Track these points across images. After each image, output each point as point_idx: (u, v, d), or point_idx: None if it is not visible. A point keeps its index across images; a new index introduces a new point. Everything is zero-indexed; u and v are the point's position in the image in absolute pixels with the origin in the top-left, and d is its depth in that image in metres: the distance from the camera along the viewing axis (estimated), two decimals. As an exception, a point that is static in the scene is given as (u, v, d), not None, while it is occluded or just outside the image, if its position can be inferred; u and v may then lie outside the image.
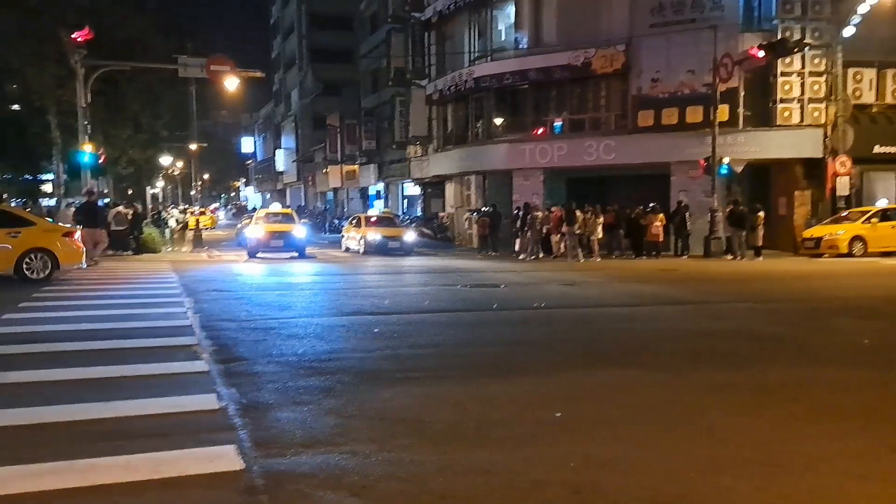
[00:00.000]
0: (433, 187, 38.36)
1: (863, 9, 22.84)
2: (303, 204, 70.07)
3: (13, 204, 40.66)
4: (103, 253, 19.94)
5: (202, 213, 44.56)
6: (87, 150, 22.79)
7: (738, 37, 24.28)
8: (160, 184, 54.94)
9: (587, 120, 27.92)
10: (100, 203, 25.48)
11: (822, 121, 24.49)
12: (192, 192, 48.99)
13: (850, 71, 24.39)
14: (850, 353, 7.85)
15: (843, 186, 23.98)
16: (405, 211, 42.71)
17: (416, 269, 19.35)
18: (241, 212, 67.75)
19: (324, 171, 60.37)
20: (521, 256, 23.38)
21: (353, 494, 3.87)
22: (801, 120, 24.70)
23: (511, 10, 29.34)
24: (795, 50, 22.65)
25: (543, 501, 3.85)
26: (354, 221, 27.37)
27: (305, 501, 3.81)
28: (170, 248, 26.16)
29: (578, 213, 22.85)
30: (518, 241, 24.25)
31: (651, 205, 23.84)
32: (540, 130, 28.31)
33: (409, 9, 35.27)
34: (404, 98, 38.36)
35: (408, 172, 40.25)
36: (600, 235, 22.94)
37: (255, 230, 22.94)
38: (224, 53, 25.45)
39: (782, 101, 24.70)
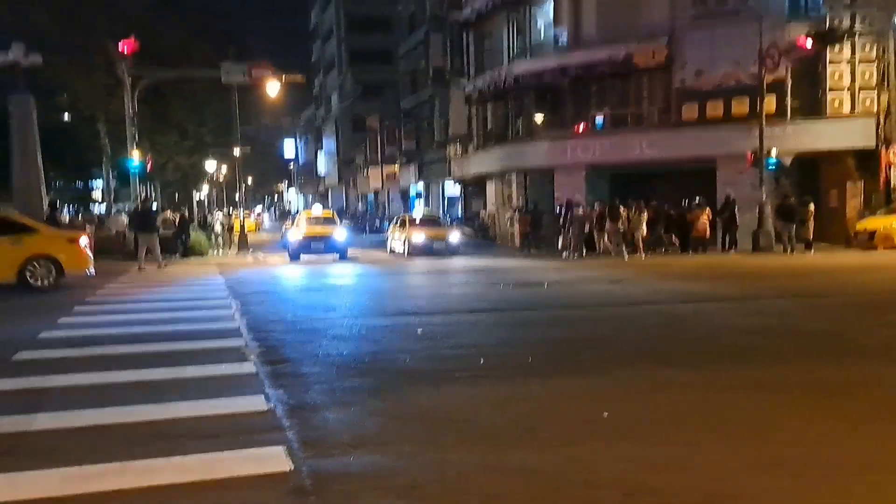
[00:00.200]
0: (474, 186, 38.32)
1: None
2: (344, 206, 70.74)
3: (66, 211, 42.03)
4: (153, 258, 20.40)
5: (247, 217, 45.31)
6: (135, 158, 23.38)
7: (784, 26, 23.67)
8: (206, 188, 55.98)
9: (629, 115, 27.56)
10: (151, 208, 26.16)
11: (874, 109, 23.72)
12: (237, 196, 49.86)
13: (903, 57, 23.57)
14: (909, 350, 7.60)
15: (897, 176, 23.20)
16: (446, 211, 42.75)
17: (457, 269, 19.35)
18: (285, 214, 68.66)
19: (364, 172, 60.82)
20: (564, 254, 23.19)
21: (400, 496, 3.89)
22: (852, 109, 23.96)
23: (550, 6, 29.12)
24: (845, 38, 21.98)
25: (593, 503, 3.81)
26: (399, 223, 27.19)
27: (353, 503, 3.83)
28: (216, 252, 26.62)
29: (622, 209, 22.56)
30: (561, 238, 24.03)
31: (696, 200, 23.41)
32: (581, 127, 28.05)
33: (447, 9, 35.29)
34: (443, 98, 38.41)
35: (448, 172, 40.28)
36: (645, 232, 22.60)
37: (297, 233, 23.15)
38: (265, 59, 25.91)
39: (832, 90, 24.00)
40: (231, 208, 52.06)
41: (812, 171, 25.00)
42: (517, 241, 28.16)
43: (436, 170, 43.58)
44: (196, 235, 26.33)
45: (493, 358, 7.46)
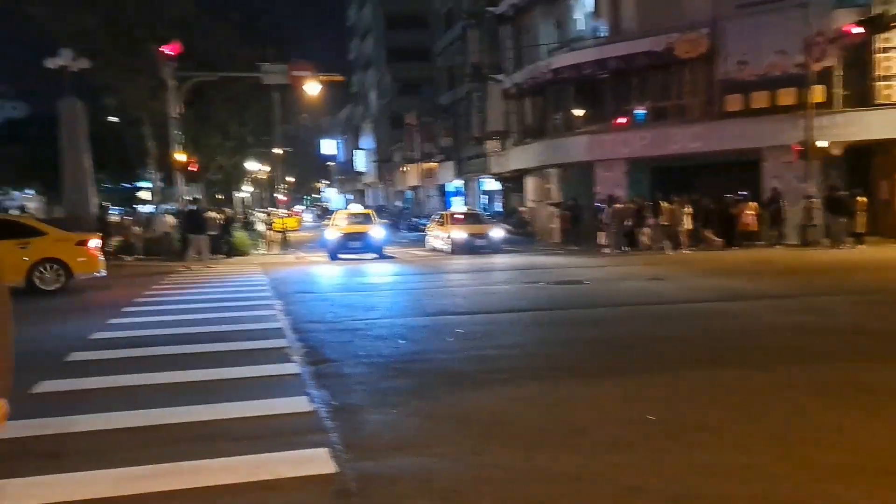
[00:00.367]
0: (512, 182, 38.15)
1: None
2: (382, 203, 71.15)
3: (113, 212, 43.09)
4: (201, 258, 20.79)
5: (288, 216, 45.86)
6: (179, 159, 23.84)
7: (830, 13, 22.98)
8: (247, 188, 56.81)
9: (671, 107, 27.10)
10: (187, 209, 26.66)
11: (927, 97, 22.91)
12: (278, 196, 50.49)
13: (958, 42, 22.70)
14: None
15: (953, 167, 22.38)
16: (484, 206, 42.65)
17: (496, 266, 19.27)
18: (325, 213, 69.34)
19: (402, 169, 61.07)
20: (605, 250, 22.95)
21: (443, 499, 3.89)
22: (903, 97, 23.18)
23: (588, -2, 28.81)
24: (894, 25, 21.25)
25: (639, 510, 3.76)
26: (439, 219, 26.62)
27: (398, 506, 3.84)
28: (259, 251, 26.97)
29: (664, 203, 22.21)
30: (601, 234, 23.77)
31: (742, 193, 22.92)
32: (621, 120, 27.69)
33: (484, 4, 35.14)
34: (481, 93, 38.27)
35: (486, 168, 40.18)
36: (688, 226, 22.22)
37: (334, 232, 23.07)
38: (304, 59, 26.11)
39: (882, 78, 23.24)
40: (273, 208, 52.82)
41: (862, 161, 24.25)
42: (557, 236, 27.95)
43: (474, 166, 43.51)
44: (239, 235, 26.72)
45: (534, 358, 7.42)
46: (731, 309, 10.54)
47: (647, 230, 23.00)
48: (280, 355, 7.67)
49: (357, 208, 36.98)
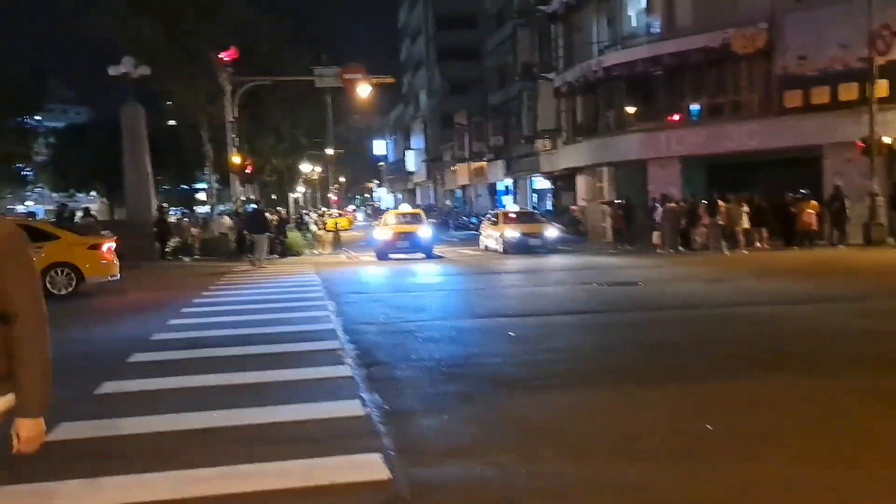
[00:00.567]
0: (563, 180, 37.83)
1: None
2: (432, 202, 71.41)
3: (172, 213, 44.33)
4: (258, 257, 21.18)
5: (340, 215, 46.42)
6: (235, 161, 24.37)
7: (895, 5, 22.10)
8: (301, 188, 57.79)
9: (727, 104, 26.45)
10: (248, 208, 27.26)
11: None
12: (330, 196, 51.18)
13: None
14: None
15: None
16: (535, 205, 42.40)
17: (547, 266, 19.11)
18: (376, 212, 69.98)
19: (452, 168, 61.19)
20: (658, 250, 22.54)
21: (497, 509, 3.86)
22: (974, 90, 22.11)
23: (642, -6, 28.33)
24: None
25: (697, 524, 3.67)
26: (493, 219, 26.29)
27: (451, 515, 3.84)
28: (312, 251, 27.34)
29: (721, 202, 21.68)
30: (655, 234, 23.35)
31: (802, 191, 22.24)
32: (675, 117, 27.16)
33: (534, 2, 34.93)
34: (532, 92, 38.06)
35: (537, 166, 39.95)
36: (746, 226, 21.65)
37: (382, 232, 23.08)
38: (356, 61, 26.43)
39: (951, 71, 22.22)
40: (325, 208, 53.58)
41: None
42: (609, 235, 27.59)
43: (524, 164, 43.30)
44: (293, 235, 27.18)
45: (587, 363, 7.33)
46: (791, 313, 10.22)
47: (701, 230, 22.50)
48: (333, 357, 7.75)
49: (406, 208, 37.12)
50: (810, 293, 12.18)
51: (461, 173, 57.74)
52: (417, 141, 77.48)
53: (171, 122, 37.07)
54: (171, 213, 42.24)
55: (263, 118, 31.86)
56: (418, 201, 76.18)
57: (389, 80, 27.28)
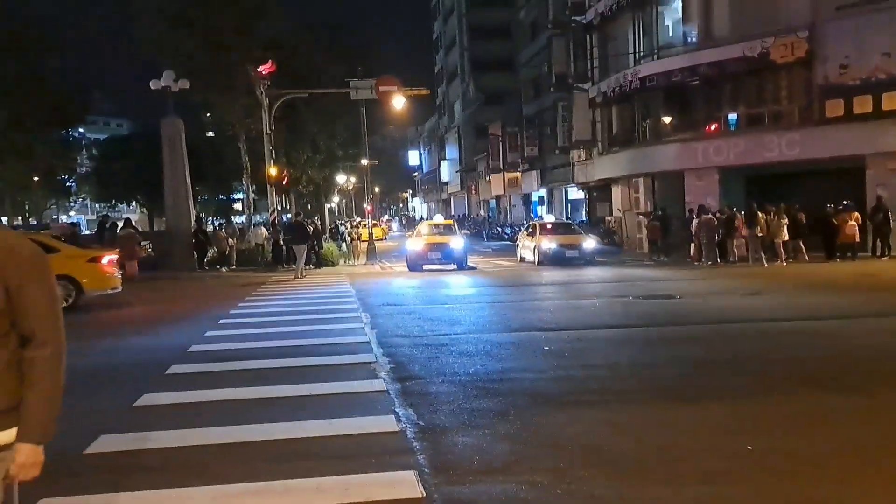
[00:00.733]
0: (598, 191, 37.56)
1: None
2: (466, 212, 71.42)
3: (210, 222, 45.06)
4: (296, 268, 21.41)
5: (374, 226, 46.68)
6: (272, 174, 24.69)
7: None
8: (336, 199, 58.30)
9: (766, 113, 26.01)
10: (284, 219, 27.61)
11: None
12: (365, 206, 51.51)
13: None
14: None
15: None
16: (569, 216, 42.17)
17: (582, 278, 18.91)
18: (411, 222, 70.27)
19: (486, 179, 61.19)
20: (696, 262, 22.20)
21: (533, 531, 3.81)
22: None
23: (678, 4, 28.03)
24: None
25: (740, 551, 3.57)
26: (529, 229, 25.98)
27: (486, 536, 3.80)
28: (346, 261, 27.53)
29: (760, 213, 21.30)
30: (693, 245, 23.00)
31: (844, 202, 21.74)
32: (713, 127, 26.79)
33: (569, 13, 34.83)
34: (566, 103, 37.91)
35: (571, 177, 39.73)
36: (785, 237, 21.22)
37: (414, 243, 22.99)
38: (391, 72, 26.65)
39: None
40: (360, 218, 53.97)
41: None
42: (645, 247, 27.28)
43: (559, 175, 43.09)
44: (328, 245, 27.39)
45: (624, 380, 7.23)
46: (834, 328, 9.96)
47: (739, 241, 22.11)
48: (367, 371, 7.77)
49: (439, 219, 37.06)
50: (855, 308, 11.86)
51: (495, 183, 57.73)
52: (452, 151, 77.71)
53: (210, 134, 37.75)
54: (208, 222, 43.02)
55: (300, 130, 32.24)
56: (452, 211, 76.28)
57: (424, 92, 27.41)
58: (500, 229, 48.65)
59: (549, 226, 25.72)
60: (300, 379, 7.38)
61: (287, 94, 26.12)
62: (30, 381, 2.22)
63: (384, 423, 5.78)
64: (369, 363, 8.15)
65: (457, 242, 22.71)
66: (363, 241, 30.39)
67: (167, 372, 7.92)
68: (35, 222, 38.66)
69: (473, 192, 69.46)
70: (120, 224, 23.44)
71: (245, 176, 30.68)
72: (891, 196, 21.74)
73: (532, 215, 49.15)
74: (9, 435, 2.26)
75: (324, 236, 29.10)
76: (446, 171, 79.41)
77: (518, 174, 52.20)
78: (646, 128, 30.24)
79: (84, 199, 57.73)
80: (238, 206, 54.78)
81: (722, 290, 15.10)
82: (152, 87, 23.57)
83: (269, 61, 23.60)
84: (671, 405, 6.17)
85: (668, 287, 15.69)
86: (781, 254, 20.97)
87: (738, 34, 25.29)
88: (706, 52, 26.24)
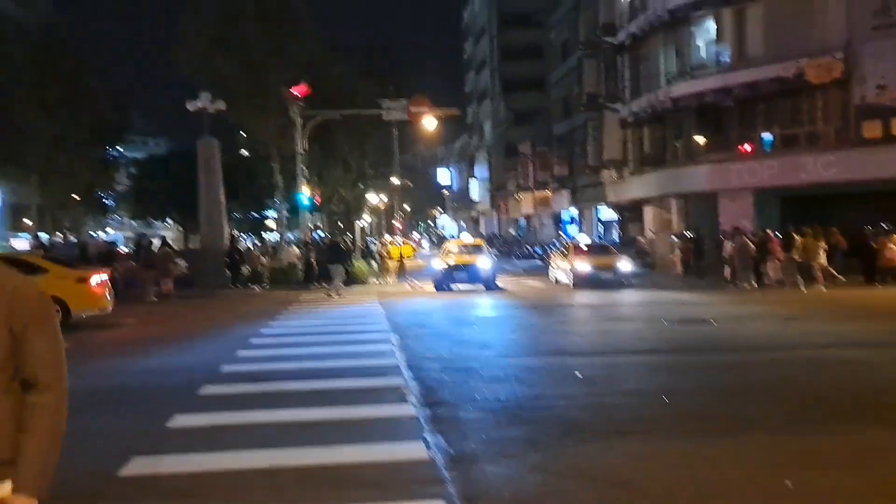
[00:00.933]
0: (630, 211, 37.29)
1: None
2: (496, 231, 71.36)
3: (243, 240, 45.68)
4: (332, 286, 21.56)
5: (404, 243, 46.82)
6: (304, 193, 24.97)
7: None
8: (366, 217, 58.73)
9: (802, 134, 25.66)
10: (315, 237, 27.87)
11: None
12: (395, 223, 51.82)
13: None
14: None
15: None
16: (600, 236, 41.88)
17: (614, 301, 18.71)
18: (441, 240, 70.45)
19: (516, 197, 61.15)
20: (730, 286, 21.84)
21: (565, 568, 3.75)
22: None
23: (711, 25, 27.90)
24: None
25: None
26: (563, 250, 25.25)
27: (518, 572, 3.74)
28: (377, 280, 27.57)
29: (796, 236, 20.92)
30: (727, 268, 22.64)
31: (883, 224, 21.28)
32: (747, 148, 26.49)
33: (600, 34, 34.85)
34: (597, 122, 37.84)
35: (602, 197, 39.53)
36: (823, 261, 20.78)
37: (441, 262, 22.77)
38: (422, 92, 26.89)
39: None
40: (389, 236, 54.26)
41: None
42: (678, 268, 26.95)
43: (589, 195, 42.89)
44: (358, 264, 27.50)
45: (658, 409, 7.11)
46: (874, 357, 9.71)
47: (775, 264, 21.73)
48: (397, 395, 7.75)
49: (467, 238, 36.88)
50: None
51: (525, 202, 57.66)
52: (481, 170, 77.88)
53: (244, 153, 38.36)
54: (241, 239, 43.59)
55: (332, 150, 32.62)
56: (482, 229, 76.27)
57: (455, 112, 27.58)
58: (530, 248, 48.46)
59: (583, 246, 24.91)
60: (331, 402, 7.40)
61: (320, 115, 26.47)
62: (30, 429, 2.09)
63: (414, 451, 5.75)
64: (399, 387, 8.14)
65: (484, 262, 22.40)
66: (393, 259, 30.42)
67: (199, 392, 7.99)
68: (74, 239, 39.49)
69: (503, 210, 69.42)
70: (156, 242, 23.85)
71: (278, 195, 31.06)
72: (933, 218, 21.26)
73: (563, 234, 48.94)
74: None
75: (354, 254, 29.24)
76: (476, 190, 79.55)
77: (548, 193, 52.08)
78: (678, 148, 30.02)
79: (121, 217, 58.88)
80: (270, 223, 55.43)
81: (758, 314, 14.83)
82: (189, 108, 24.08)
83: (303, 83, 23.98)
84: (706, 436, 6.05)
85: (703, 311, 15.45)
86: (819, 277, 20.54)
87: (773, 55, 25.07)
88: (740, 72, 26.05)
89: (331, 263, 21.99)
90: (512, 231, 66.11)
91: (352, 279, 25.35)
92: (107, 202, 46.68)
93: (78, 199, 38.11)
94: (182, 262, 23.82)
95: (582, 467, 5.33)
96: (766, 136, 26.24)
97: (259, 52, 27.13)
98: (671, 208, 30.95)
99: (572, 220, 49.01)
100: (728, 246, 22.37)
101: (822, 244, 20.86)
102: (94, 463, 5.56)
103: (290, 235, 36.12)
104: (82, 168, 33.49)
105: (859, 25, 23.39)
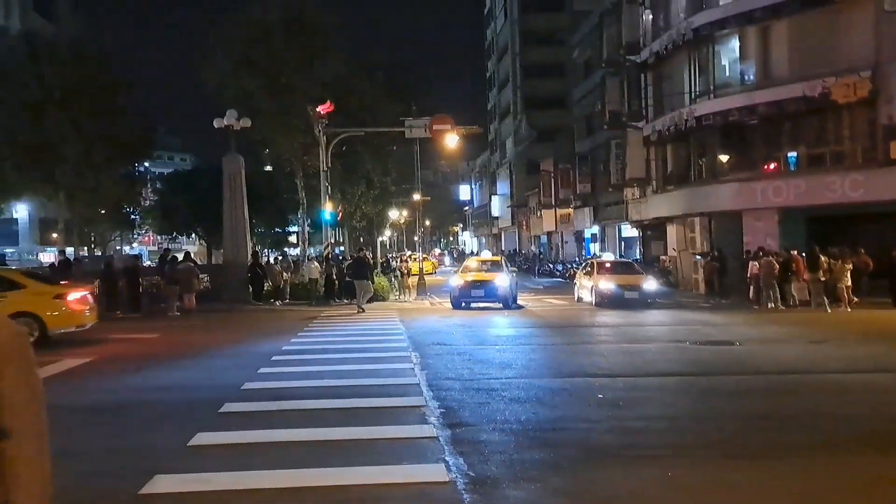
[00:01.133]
0: (653, 229, 37.04)
1: None
2: (517, 248, 71.25)
3: (267, 254, 46.01)
4: (358, 301, 21.60)
5: (424, 259, 46.84)
6: (327, 210, 25.13)
7: None
8: (388, 232, 58.95)
9: (828, 154, 25.37)
10: (336, 252, 27.99)
11: None
12: (416, 239, 51.88)
13: None
14: None
15: None
16: (623, 254, 41.63)
17: (637, 321, 18.52)
18: (462, 256, 70.40)
19: (537, 214, 61.05)
20: (755, 306, 21.56)
21: None
22: None
23: (735, 44, 27.77)
24: None
25: None
26: (587, 269, 24.72)
27: None
28: (398, 297, 27.60)
29: (822, 256, 20.63)
30: (752, 288, 22.35)
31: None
32: (772, 167, 26.24)
33: (624, 52, 34.84)
34: (620, 141, 37.72)
35: (625, 215, 39.32)
36: (849, 282, 20.46)
37: (458, 279, 22.45)
38: (444, 109, 27.09)
39: None
40: (410, 252, 54.36)
41: None
42: (701, 287, 26.67)
43: (612, 212, 42.70)
44: (379, 280, 27.55)
45: (682, 433, 7.01)
46: (905, 383, 9.50)
47: (800, 285, 21.43)
48: (417, 415, 7.72)
49: (487, 255, 36.45)
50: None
51: (547, 219, 57.54)
52: (503, 186, 77.95)
53: (268, 168, 38.76)
54: (264, 254, 43.91)
55: (355, 167, 32.84)
56: (503, 246, 76.23)
57: (477, 130, 27.66)
58: (551, 266, 48.30)
59: (607, 265, 24.40)
60: (352, 421, 7.40)
61: (344, 133, 26.70)
62: (13, 483, 1.91)
63: (434, 473, 5.71)
64: (419, 407, 8.11)
65: (502, 280, 21.90)
66: (413, 274, 30.44)
67: (221, 410, 8.02)
68: (100, 253, 40.06)
69: (524, 227, 69.33)
70: (180, 257, 24.10)
71: (301, 211, 31.29)
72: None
73: (585, 252, 48.71)
74: None
75: (375, 270, 29.31)
76: (497, 206, 79.59)
77: (570, 210, 51.93)
78: (702, 166, 29.81)
79: (147, 231, 59.65)
80: (293, 238, 55.83)
81: (784, 337, 14.61)
82: (215, 126, 24.39)
83: (328, 101, 24.23)
84: (731, 463, 5.95)
85: (728, 332, 15.25)
86: (845, 299, 20.21)
87: (798, 74, 24.88)
88: (764, 91, 25.86)
89: (356, 279, 21.97)
90: (533, 248, 65.97)
91: (373, 295, 25.38)
92: (133, 217, 47.30)
93: (104, 213, 38.67)
94: (205, 278, 24.06)
95: (604, 492, 5.27)
96: (792, 155, 25.98)
97: (285, 71, 27.47)
98: (695, 227, 30.70)
99: (595, 238, 48.80)
100: (753, 266, 22.12)
101: (849, 265, 20.55)
102: (116, 481, 5.60)
103: (311, 251, 36.36)
104: (109, 184, 34.02)
105: (887, 44, 23.14)
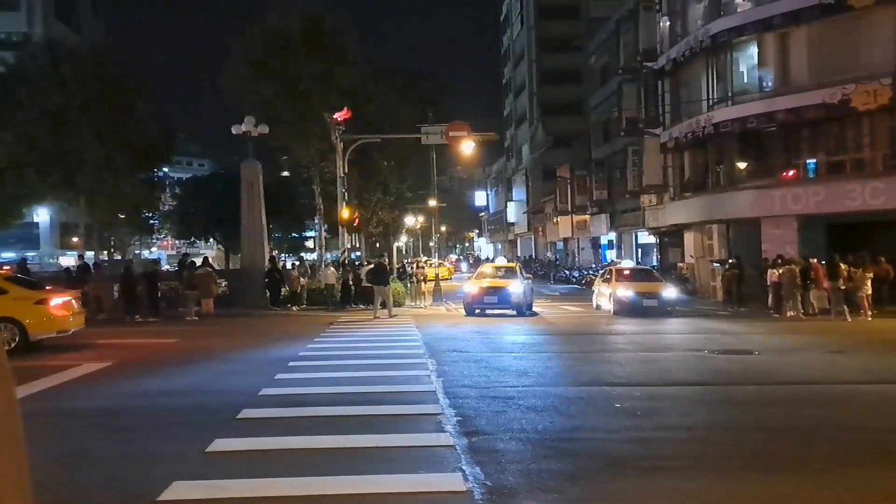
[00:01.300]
0: (670, 237, 36.82)
1: None
2: (533, 254, 71.07)
3: (284, 259, 46.21)
4: (385, 308, 21.65)
5: (440, 265, 46.86)
6: (345, 215, 25.24)
7: None
8: (403, 238, 59.01)
9: (847, 161, 25.12)
10: (353, 257, 28.07)
11: None
12: (432, 245, 51.99)
13: None
14: None
15: None
16: (639, 261, 41.42)
17: (655, 329, 18.42)
18: (477, 262, 70.38)
19: (554, 221, 60.91)
20: (774, 314, 21.37)
21: None
22: None
23: (754, 50, 27.59)
24: None
25: None
26: (605, 275, 24.42)
27: None
28: (414, 302, 27.61)
29: (842, 264, 20.40)
30: (771, 296, 22.14)
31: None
32: (790, 174, 26.02)
33: (641, 59, 34.73)
34: (637, 147, 37.60)
35: (642, 222, 39.15)
36: (869, 291, 20.22)
37: (471, 286, 22.23)
38: (460, 115, 27.13)
39: None
40: (425, 257, 54.40)
41: None
42: (719, 295, 26.46)
43: (628, 219, 42.53)
44: (395, 286, 27.58)
45: (701, 444, 6.95)
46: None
47: (820, 293, 21.20)
48: (434, 423, 7.72)
49: (501, 261, 36.41)
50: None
51: (563, 226, 57.39)
52: (519, 193, 77.86)
53: (286, 174, 39.00)
54: (281, 258, 44.10)
55: (372, 173, 32.99)
56: (518, 252, 76.06)
57: (493, 136, 27.69)
58: (567, 272, 48.16)
59: (626, 272, 24.04)
60: (368, 429, 7.40)
61: (360, 139, 26.82)
62: None
63: (451, 482, 5.71)
64: (436, 414, 8.11)
65: (516, 287, 21.63)
66: (429, 280, 30.43)
67: (238, 416, 8.06)
68: (119, 257, 40.47)
69: (540, 233, 69.20)
70: (198, 262, 24.27)
71: (318, 216, 31.45)
72: None
73: (601, 259, 48.52)
74: None
75: (392, 276, 29.35)
76: (513, 213, 79.50)
77: (586, 217, 51.77)
78: (719, 173, 29.62)
79: (165, 236, 60.15)
80: (310, 243, 56.09)
81: (803, 346, 14.45)
82: (234, 132, 24.59)
83: (345, 108, 24.38)
84: (750, 475, 5.89)
85: (746, 341, 15.13)
86: (865, 307, 19.98)
87: (817, 80, 24.66)
88: (783, 98, 25.65)
89: (376, 284, 21.98)
90: (549, 254, 65.82)
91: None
92: (152, 222, 47.74)
93: (124, 218, 39.08)
94: (223, 282, 24.23)
95: (622, 503, 5.24)
96: (811, 162, 25.75)
97: (304, 79, 27.66)
98: (713, 234, 30.48)
99: (611, 245, 48.62)
100: (772, 274, 21.93)
101: (869, 273, 20.33)
102: (134, 487, 5.65)
103: (328, 256, 36.50)
104: (129, 189, 34.38)
105: (907, 50, 22.92)
